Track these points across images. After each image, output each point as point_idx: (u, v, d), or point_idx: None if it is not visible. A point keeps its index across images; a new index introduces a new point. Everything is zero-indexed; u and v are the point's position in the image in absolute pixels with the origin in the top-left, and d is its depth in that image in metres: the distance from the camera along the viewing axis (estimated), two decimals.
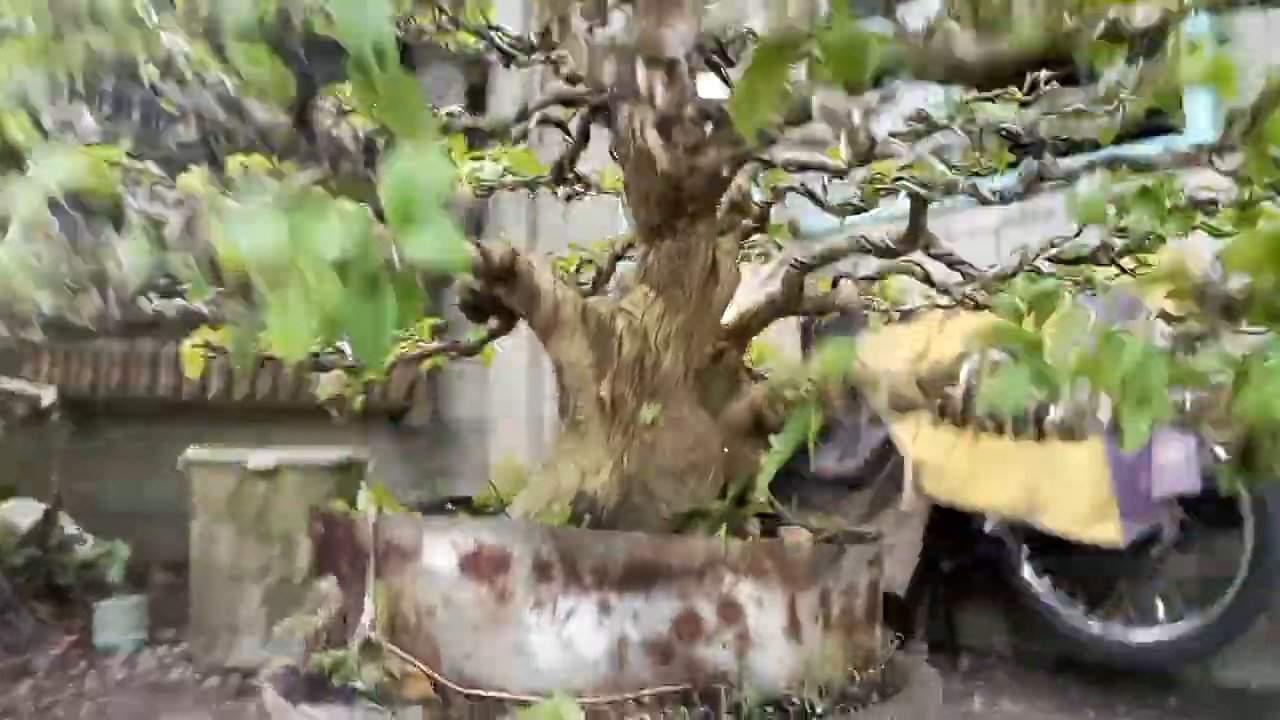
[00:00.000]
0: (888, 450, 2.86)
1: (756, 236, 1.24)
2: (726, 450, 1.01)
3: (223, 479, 2.87)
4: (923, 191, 0.95)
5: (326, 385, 1.38)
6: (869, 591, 0.95)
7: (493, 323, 1.24)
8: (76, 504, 3.57)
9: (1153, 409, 0.63)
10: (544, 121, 1.12)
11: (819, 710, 0.81)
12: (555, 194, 1.27)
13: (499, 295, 1.03)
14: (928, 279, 1.23)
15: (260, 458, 2.86)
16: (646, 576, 0.82)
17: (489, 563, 0.83)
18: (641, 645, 0.81)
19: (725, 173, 0.96)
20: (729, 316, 1.14)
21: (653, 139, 0.95)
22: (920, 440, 2.71)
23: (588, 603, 0.82)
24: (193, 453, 2.93)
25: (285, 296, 0.45)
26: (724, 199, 1.07)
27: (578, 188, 1.23)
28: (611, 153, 1.06)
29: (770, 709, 0.81)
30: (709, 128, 0.85)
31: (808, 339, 3.04)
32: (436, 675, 0.81)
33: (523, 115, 1.03)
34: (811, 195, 1.25)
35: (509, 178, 1.28)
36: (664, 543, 0.83)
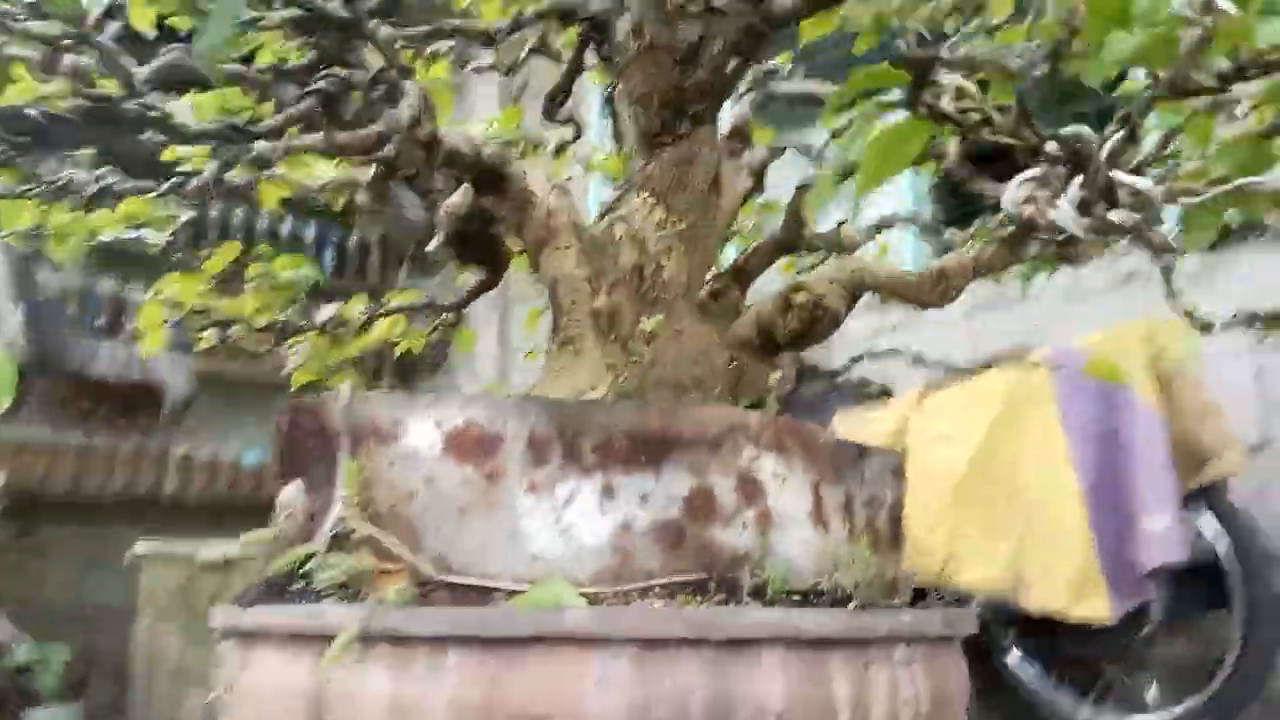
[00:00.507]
0: None
1: None
2: (734, 364, 0.93)
3: (172, 572, 2.74)
4: None
5: (299, 373, 1.29)
6: (893, 509, 0.85)
7: (473, 280, 1.18)
8: (16, 604, 3.35)
9: None
10: (536, 51, 1.09)
11: (854, 599, 0.70)
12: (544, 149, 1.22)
13: (487, 208, 0.97)
14: (936, 230, 1.18)
15: (211, 550, 2.73)
16: (656, 451, 0.72)
17: (477, 442, 0.73)
18: (650, 530, 0.71)
19: (729, 69, 0.92)
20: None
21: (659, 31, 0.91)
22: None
23: (589, 485, 0.72)
24: (142, 547, 2.80)
25: None
26: (725, 119, 1.03)
27: (567, 133, 1.18)
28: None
29: (796, 597, 0.70)
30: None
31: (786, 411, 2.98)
32: (417, 561, 0.70)
33: (516, 26, 0.99)
34: (806, 151, 1.21)
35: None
36: (675, 411, 0.74)
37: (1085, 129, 0.50)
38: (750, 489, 0.72)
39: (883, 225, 1.15)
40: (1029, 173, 0.63)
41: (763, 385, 0.94)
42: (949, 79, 0.48)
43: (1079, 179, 0.53)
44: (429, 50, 1.09)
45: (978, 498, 2.53)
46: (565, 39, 1.18)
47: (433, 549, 0.71)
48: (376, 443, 0.74)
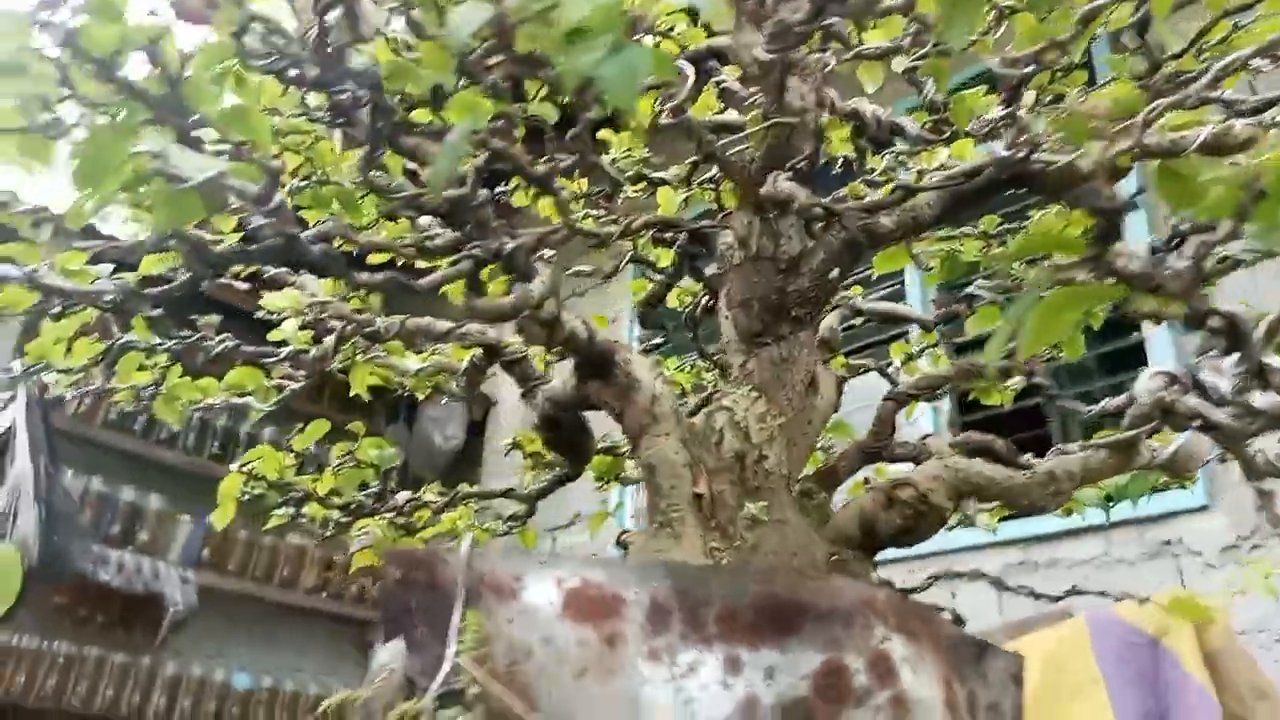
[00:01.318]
0: None
1: None
2: (834, 558, 0.91)
3: None
4: None
5: (358, 554, 1.27)
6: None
7: (556, 471, 1.19)
8: None
9: None
10: (635, 260, 1.17)
11: None
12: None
13: (589, 395, 1.00)
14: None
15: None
16: (783, 622, 0.70)
17: (597, 604, 0.71)
18: (777, 707, 0.68)
19: (833, 275, 0.98)
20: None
21: (763, 242, 0.98)
22: None
23: (712, 656, 0.69)
24: None
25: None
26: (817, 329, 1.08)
27: (658, 338, 1.24)
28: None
29: None
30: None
31: None
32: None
33: (626, 233, 1.07)
34: (883, 371, 1.26)
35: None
36: (805, 581, 0.72)
37: (1242, 309, 0.54)
38: (883, 670, 0.69)
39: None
40: (1160, 367, 0.66)
41: (865, 581, 0.92)
42: (1122, 246, 0.51)
43: (1233, 358, 0.55)
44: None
45: None
46: (655, 254, 1.27)
47: (549, 711, 0.68)
48: (496, 599, 0.72)
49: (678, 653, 0.69)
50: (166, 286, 0.65)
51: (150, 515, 4.18)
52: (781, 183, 0.83)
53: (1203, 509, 3.19)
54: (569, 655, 0.69)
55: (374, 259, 0.90)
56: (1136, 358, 3.50)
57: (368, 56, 0.55)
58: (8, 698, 3.52)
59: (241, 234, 0.65)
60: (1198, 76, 0.78)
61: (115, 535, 4.04)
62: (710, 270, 1.14)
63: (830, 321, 1.13)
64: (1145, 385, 0.63)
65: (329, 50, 0.52)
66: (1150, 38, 0.74)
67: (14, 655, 3.59)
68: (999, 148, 0.72)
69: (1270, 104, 0.78)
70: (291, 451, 1.14)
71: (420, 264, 0.98)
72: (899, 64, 1.02)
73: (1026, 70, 0.64)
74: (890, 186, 0.79)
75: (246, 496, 1.18)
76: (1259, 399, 0.58)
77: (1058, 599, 1.22)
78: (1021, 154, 0.70)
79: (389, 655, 0.77)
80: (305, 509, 1.21)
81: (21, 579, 1.41)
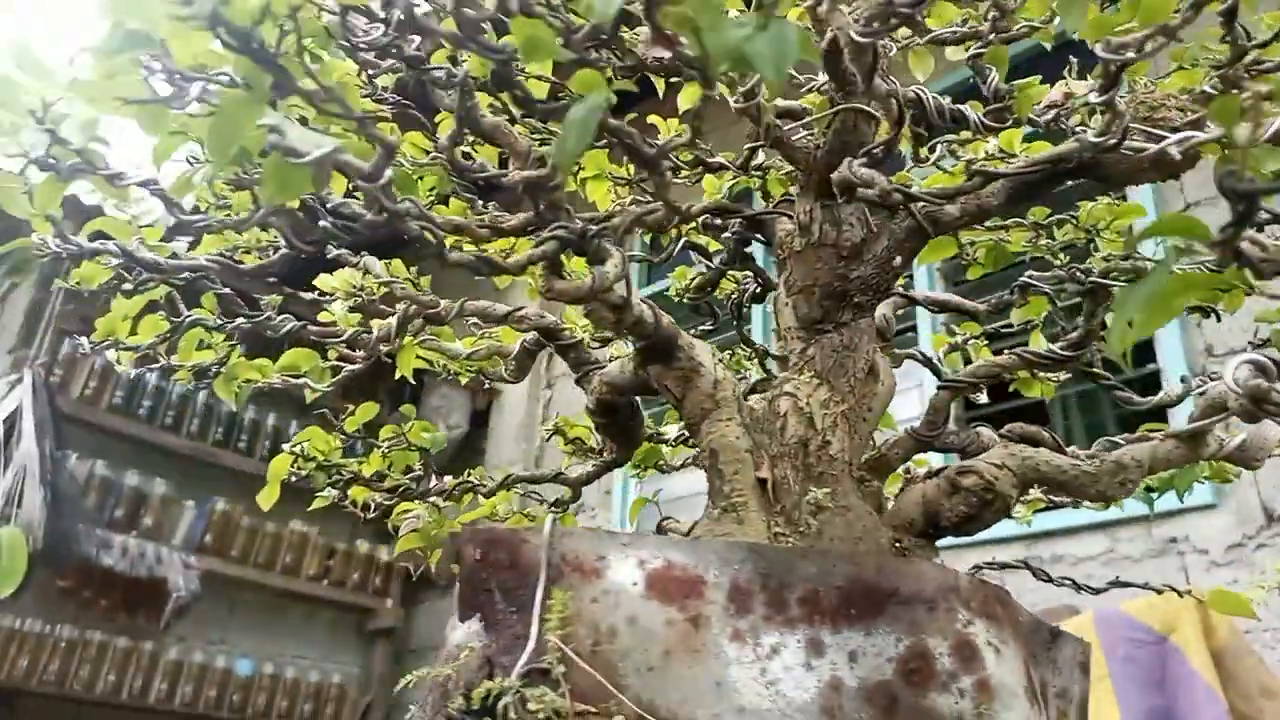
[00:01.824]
0: None
1: None
2: (897, 545, 0.92)
3: None
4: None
5: (404, 539, 1.27)
6: (1080, 708, 0.81)
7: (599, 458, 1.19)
8: None
9: None
10: (690, 246, 1.17)
11: None
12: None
13: (649, 379, 1.00)
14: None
15: None
16: (866, 606, 0.70)
17: (680, 584, 0.71)
18: (860, 690, 0.68)
19: (897, 262, 0.98)
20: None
21: (824, 229, 0.99)
22: None
23: (795, 638, 0.69)
24: None
25: None
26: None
27: (709, 324, 1.24)
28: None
29: None
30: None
31: None
32: (625, 702, 0.66)
33: (684, 218, 1.07)
34: (928, 361, 1.26)
35: None
36: (889, 564, 0.73)
37: None
38: (967, 654, 0.69)
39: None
40: (1248, 355, 0.67)
41: None
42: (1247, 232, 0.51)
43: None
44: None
45: None
46: (706, 240, 1.27)
47: (634, 692, 0.68)
48: (579, 578, 0.73)
49: (761, 634, 0.70)
50: (263, 263, 0.65)
51: (154, 500, 4.17)
52: (859, 169, 0.83)
53: (1209, 507, 3.21)
54: (654, 635, 0.69)
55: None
56: (1142, 354, 3.52)
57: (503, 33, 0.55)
58: (10, 681, 3.51)
59: (331, 210, 0.65)
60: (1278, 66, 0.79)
61: (119, 520, 4.03)
62: (759, 258, 1.14)
63: (884, 310, 1.13)
64: (1236, 374, 0.64)
65: (468, 22, 0.52)
66: (1238, 24, 0.74)
67: (17, 639, 3.58)
68: (1089, 134, 0.72)
69: None
70: (342, 433, 1.14)
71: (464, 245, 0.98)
72: (953, 52, 1.02)
73: (1129, 56, 0.64)
74: (966, 172, 0.79)
75: (294, 478, 1.17)
76: None
77: (1097, 591, 1.23)
78: (1114, 140, 0.71)
79: (464, 635, 0.77)
80: (350, 492, 1.20)
81: (26, 562, 1.40)
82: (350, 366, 1.04)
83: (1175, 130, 0.83)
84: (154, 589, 3.93)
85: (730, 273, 1.28)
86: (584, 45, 0.55)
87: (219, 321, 0.92)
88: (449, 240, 0.90)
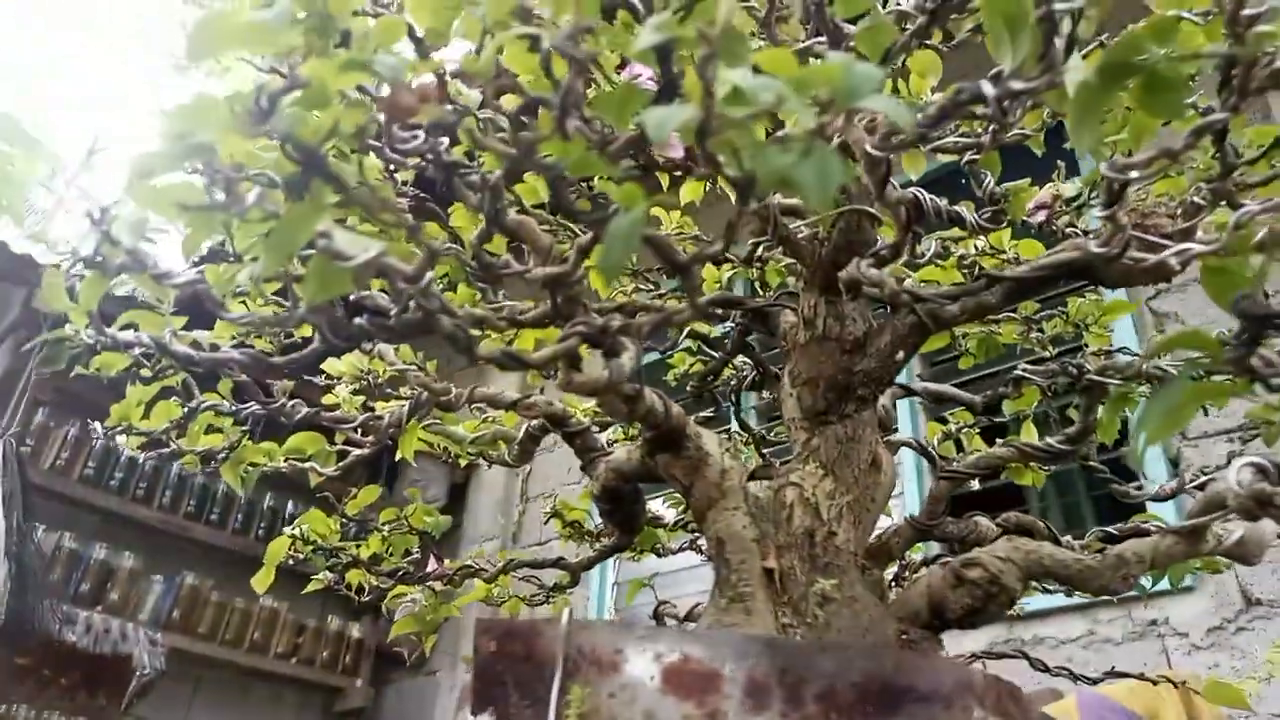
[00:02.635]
0: None
1: None
2: (904, 636, 0.93)
3: None
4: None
5: (400, 622, 1.25)
6: None
7: (605, 541, 1.19)
8: None
9: None
10: (692, 335, 1.19)
11: None
12: None
13: (657, 468, 1.01)
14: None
15: None
16: (884, 702, 0.71)
17: (696, 679, 0.72)
18: None
19: (899, 356, 1.01)
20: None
21: (828, 323, 1.02)
22: None
23: None
24: None
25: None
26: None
27: (708, 411, 1.26)
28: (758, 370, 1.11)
29: None
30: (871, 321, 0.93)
31: None
32: None
33: (697, 310, 1.09)
34: (924, 450, 1.28)
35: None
36: (907, 659, 0.73)
37: None
38: None
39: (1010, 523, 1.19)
40: (1249, 458, 0.69)
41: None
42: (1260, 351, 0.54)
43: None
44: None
45: None
46: (707, 330, 1.30)
47: None
48: (596, 672, 0.73)
49: None
50: (295, 355, 0.66)
51: (122, 574, 4.07)
52: (868, 270, 0.86)
53: (1187, 590, 3.23)
54: None
55: None
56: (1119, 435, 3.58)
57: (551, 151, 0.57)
58: None
59: (356, 307, 0.67)
60: (1267, 181, 0.83)
61: (84, 594, 3.93)
62: (761, 348, 1.16)
63: (883, 401, 1.16)
64: (1239, 477, 0.66)
65: (521, 144, 0.54)
66: (1229, 143, 0.79)
67: None
68: (1092, 243, 0.76)
69: None
70: (344, 517, 1.14)
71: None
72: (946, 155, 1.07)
73: (1133, 175, 0.68)
74: (973, 273, 0.82)
75: (291, 560, 1.16)
76: None
77: (1094, 681, 1.24)
78: (1117, 250, 0.74)
79: None
80: (347, 575, 1.20)
81: None
82: (357, 451, 1.05)
83: (1166, 237, 0.87)
84: (117, 667, 3.81)
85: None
86: (619, 156, 0.58)
87: (234, 407, 0.93)
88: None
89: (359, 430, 0.99)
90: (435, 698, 4.64)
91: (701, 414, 1.27)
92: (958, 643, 3.32)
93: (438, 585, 1.22)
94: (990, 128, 0.87)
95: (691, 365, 1.28)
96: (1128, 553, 0.88)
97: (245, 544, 4.36)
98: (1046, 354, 1.27)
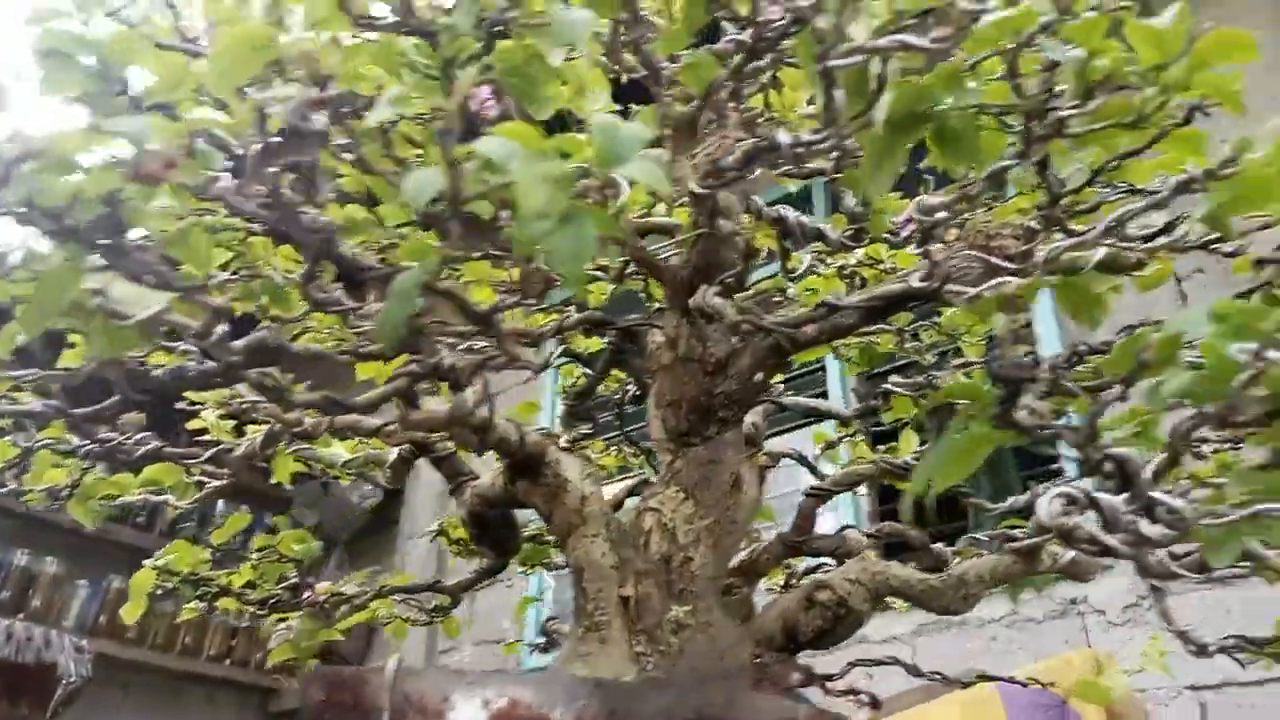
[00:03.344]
0: None
1: None
2: (758, 660, 0.93)
3: None
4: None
5: (276, 650, 1.24)
6: None
7: (481, 561, 1.19)
8: None
9: None
10: (566, 354, 1.19)
11: None
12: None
13: (519, 493, 1.00)
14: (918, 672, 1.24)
15: None
16: None
17: None
18: None
19: (758, 378, 1.01)
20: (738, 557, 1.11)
21: (690, 344, 1.01)
22: None
23: None
24: None
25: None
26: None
27: (586, 429, 1.25)
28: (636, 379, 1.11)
29: None
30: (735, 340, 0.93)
31: None
32: None
33: (559, 331, 1.09)
34: (804, 460, 1.30)
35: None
36: (732, 699, 0.74)
37: (1133, 452, 0.58)
38: None
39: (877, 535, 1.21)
40: (1060, 489, 0.71)
41: (784, 684, 0.94)
42: (1025, 399, 0.55)
43: (1125, 495, 0.60)
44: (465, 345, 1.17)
45: None
46: (584, 346, 1.29)
47: None
48: None
49: None
50: (96, 408, 0.64)
51: (44, 580, 3.98)
52: (710, 298, 0.86)
53: (1107, 569, 3.32)
54: None
55: None
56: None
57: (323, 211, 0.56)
58: None
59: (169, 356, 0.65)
60: (1095, 207, 0.85)
61: (5, 601, 3.83)
62: (639, 364, 1.16)
63: (753, 418, 1.16)
64: (1046, 508, 0.67)
65: (284, 207, 0.53)
66: (1050, 174, 0.80)
67: None
68: (915, 279, 0.76)
69: (1153, 236, 0.84)
70: (209, 547, 1.12)
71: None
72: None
73: (940, 217, 0.69)
74: (815, 303, 0.83)
75: (160, 591, 1.14)
76: (1147, 527, 0.62)
77: (967, 684, 1.27)
78: (935, 286, 0.75)
79: None
80: (219, 603, 1.18)
81: None
82: (215, 483, 1.03)
83: (1009, 258, 0.88)
84: (41, 675, 3.73)
85: (615, 372, 1.30)
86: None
87: (72, 445, 0.90)
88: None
89: (212, 462, 0.97)
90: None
91: (582, 431, 1.26)
92: (880, 625, 3.38)
93: (316, 610, 1.20)
94: (834, 155, 0.87)
95: (577, 379, 1.28)
96: (969, 573, 0.89)
97: (129, 536, 4.26)
98: (925, 361, 1.29)
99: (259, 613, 1.17)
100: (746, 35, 0.65)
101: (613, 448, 1.49)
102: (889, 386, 1.15)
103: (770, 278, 1.35)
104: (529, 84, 0.63)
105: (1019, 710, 2.49)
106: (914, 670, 1.20)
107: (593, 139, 0.50)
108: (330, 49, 0.56)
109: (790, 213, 1.08)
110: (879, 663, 1.20)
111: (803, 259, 1.23)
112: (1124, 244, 0.88)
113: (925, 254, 0.71)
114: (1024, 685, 2.29)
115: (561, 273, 0.46)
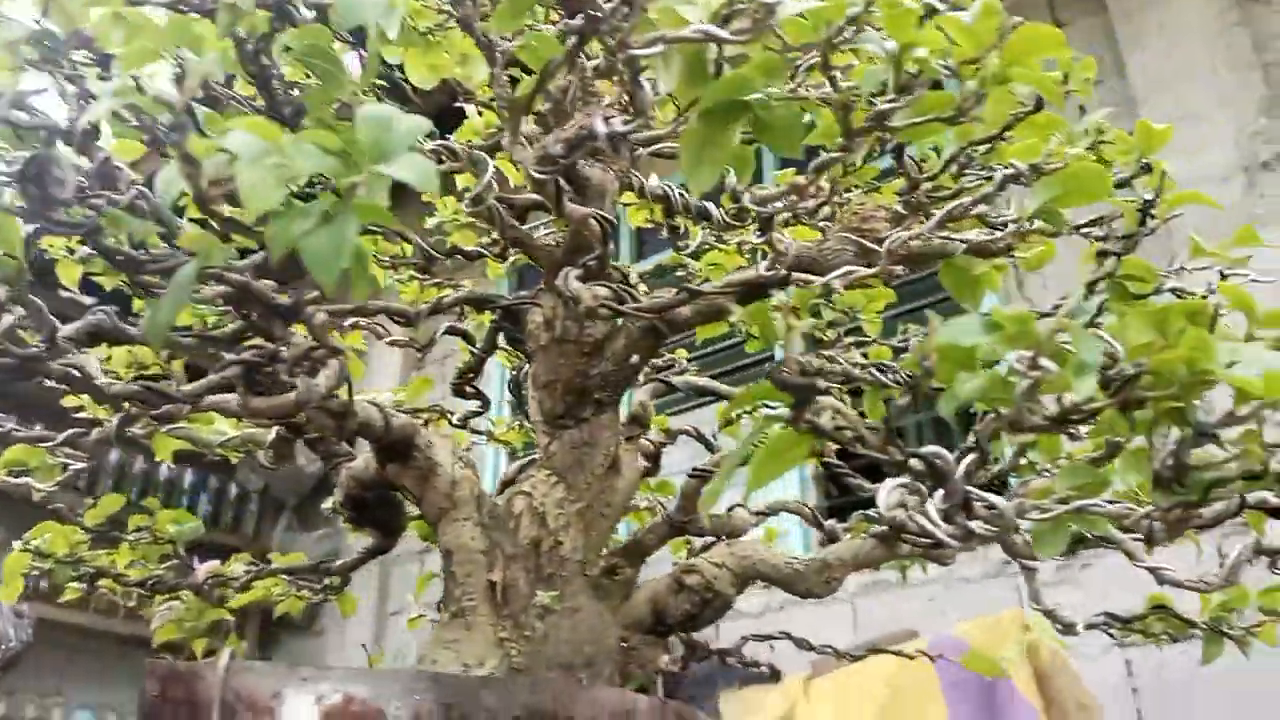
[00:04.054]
0: None
1: None
2: (624, 645, 0.93)
3: None
4: None
5: (163, 625, 1.22)
6: None
7: (368, 540, 1.17)
8: None
9: None
10: (450, 331, 1.16)
11: None
12: (450, 420, 1.27)
13: (391, 476, 0.99)
14: (817, 523, 1.24)
15: None
16: None
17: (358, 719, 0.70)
18: None
19: (631, 363, 1.00)
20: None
21: (567, 325, 1.00)
22: None
23: None
24: None
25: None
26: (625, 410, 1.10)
27: (477, 405, 1.23)
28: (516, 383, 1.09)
29: None
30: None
31: (670, 694, 2.96)
32: None
33: (436, 309, 1.06)
34: (701, 438, 1.29)
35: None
36: (567, 693, 0.73)
37: (943, 450, 0.57)
38: None
39: (770, 511, 1.20)
40: (899, 480, 0.70)
41: (653, 666, 0.94)
42: (827, 400, 0.54)
43: (940, 493, 0.59)
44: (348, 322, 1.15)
45: None
46: (477, 322, 1.27)
47: None
48: (252, 718, 0.71)
49: None
50: None
51: None
52: (571, 281, 0.84)
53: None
54: None
55: None
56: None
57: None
58: None
59: None
60: (956, 194, 0.84)
61: None
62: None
63: (641, 396, 1.15)
64: (884, 499, 0.67)
65: (42, 200, 0.50)
66: (907, 160, 0.78)
67: None
68: (763, 267, 0.75)
69: (1019, 220, 0.83)
70: (83, 528, 1.09)
71: None
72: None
73: (776, 207, 0.67)
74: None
75: (36, 573, 1.12)
76: (978, 524, 0.62)
77: (856, 658, 1.29)
78: (784, 274, 0.74)
79: None
80: (100, 584, 1.15)
81: None
82: (77, 465, 1.00)
83: (879, 241, 0.87)
84: None
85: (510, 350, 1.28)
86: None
87: None
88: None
89: (68, 444, 0.94)
90: (324, 655, 4.62)
91: (470, 409, 1.25)
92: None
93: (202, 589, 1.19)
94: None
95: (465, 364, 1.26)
96: (831, 557, 0.89)
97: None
98: (827, 338, 1.28)
99: (142, 594, 1.15)
100: (578, 19, 0.62)
101: (517, 424, 1.48)
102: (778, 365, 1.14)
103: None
104: (334, 65, 0.60)
105: (948, 669, 2.53)
106: (805, 645, 1.21)
107: (359, 132, 0.48)
108: (109, 23, 0.53)
109: (674, 190, 1.06)
110: (768, 637, 1.21)
111: (698, 236, 1.21)
112: (988, 232, 0.88)
113: (769, 242, 0.70)
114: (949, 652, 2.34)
115: (317, 275, 0.44)
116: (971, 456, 0.59)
